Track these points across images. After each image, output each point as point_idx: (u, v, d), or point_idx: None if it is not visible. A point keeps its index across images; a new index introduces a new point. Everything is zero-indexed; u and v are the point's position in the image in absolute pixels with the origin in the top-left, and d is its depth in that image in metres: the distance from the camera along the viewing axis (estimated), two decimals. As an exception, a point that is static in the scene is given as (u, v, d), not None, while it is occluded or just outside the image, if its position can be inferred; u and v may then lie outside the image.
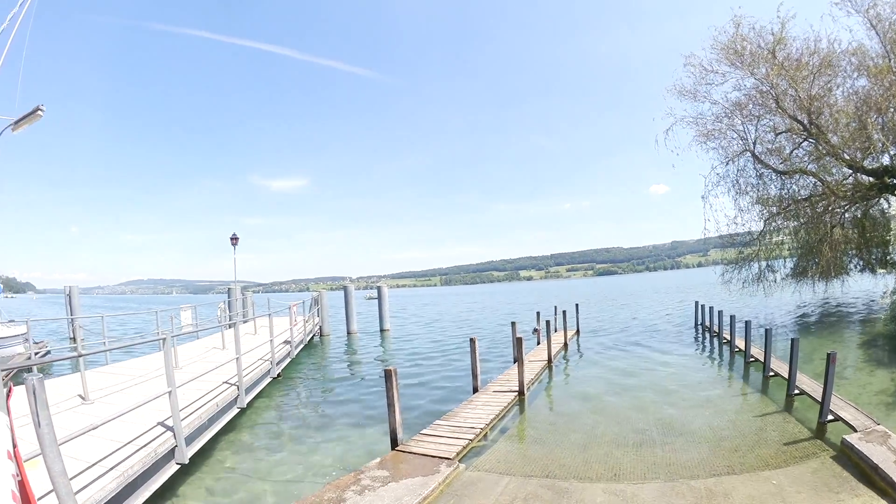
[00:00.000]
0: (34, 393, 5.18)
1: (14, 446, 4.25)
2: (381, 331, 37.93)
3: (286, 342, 22.21)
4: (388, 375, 11.39)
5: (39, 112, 16.85)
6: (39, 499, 5.35)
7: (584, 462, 10.14)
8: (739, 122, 28.97)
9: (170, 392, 9.06)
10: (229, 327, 21.21)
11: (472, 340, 16.96)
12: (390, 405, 11.23)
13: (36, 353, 22.56)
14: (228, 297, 33.46)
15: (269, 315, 18.77)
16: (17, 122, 17.41)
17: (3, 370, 5.16)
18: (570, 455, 10.65)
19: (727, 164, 29.71)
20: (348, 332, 36.07)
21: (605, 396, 16.09)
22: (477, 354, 16.67)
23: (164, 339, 9.46)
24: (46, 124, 17.21)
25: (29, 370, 19.29)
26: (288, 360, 21.61)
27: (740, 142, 29.22)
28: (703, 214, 30.75)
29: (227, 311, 30.47)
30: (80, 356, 8.85)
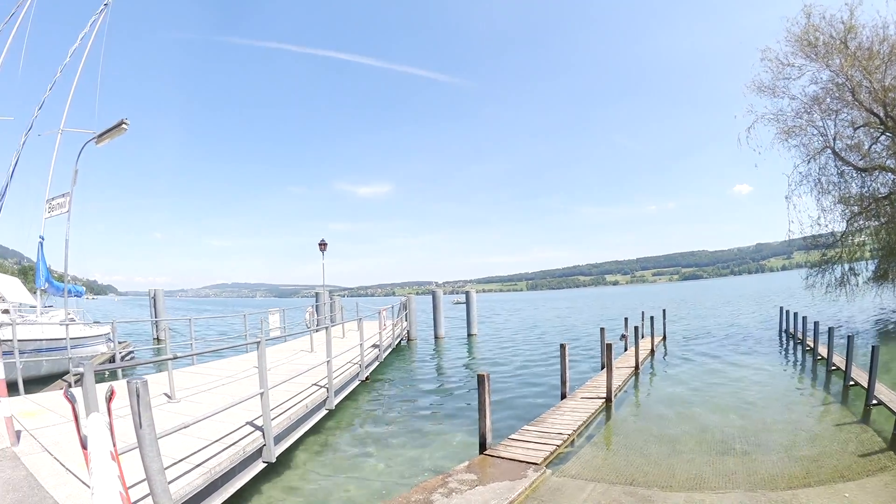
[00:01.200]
0: (137, 394, 5.35)
1: (113, 446, 4.33)
2: (469, 336, 37.92)
3: (375, 346, 22.21)
4: (480, 380, 11.36)
5: (124, 126, 17.29)
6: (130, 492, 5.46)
7: (668, 470, 10.08)
8: (818, 117, 27.94)
9: (262, 393, 9.26)
10: (317, 331, 21.50)
11: (562, 346, 16.76)
12: (481, 409, 11.20)
13: (122, 354, 23.35)
14: (316, 302, 33.91)
15: (360, 319, 18.75)
16: (100, 136, 17.91)
17: (94, 369, 5.34)
18: (654, 463, 10.59)
19: (808, 161, 28.78)
20: (436, 337, 36.07)
21: (688, 404, 16.03)
22: (567, 360, 16.56)
23: (259, 343, 9.63)
24: (129, 137, 17.66)
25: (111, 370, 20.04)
26: (376, 363, 21.68)
27: (820, 138, 28.21)
28: (787, 215, 29.88)
29: (316, 315, 30.79)
30: (174, 357, 9.03)
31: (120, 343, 26.70)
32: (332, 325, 14.95)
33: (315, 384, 14.04)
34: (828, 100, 27.24)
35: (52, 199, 20.35)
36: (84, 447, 4.47)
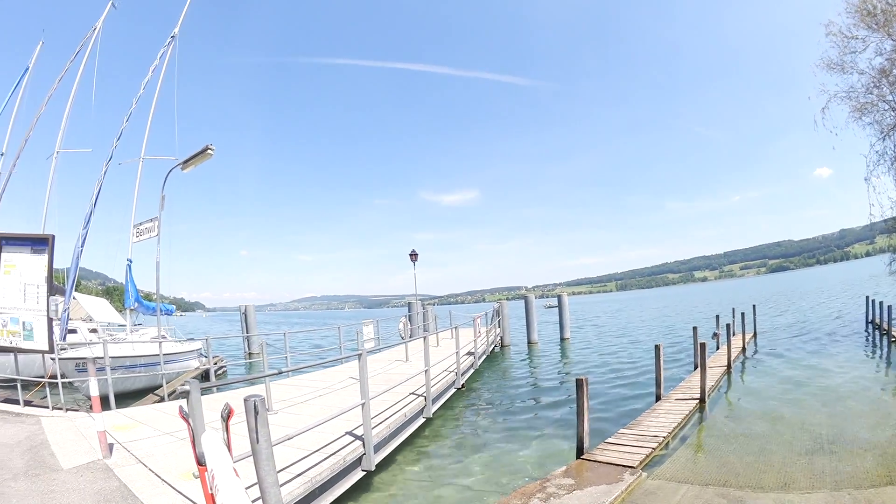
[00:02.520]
0: (255, 410, 5.44)
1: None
2: (562, 340, 37.57)
3: (470, 353, 22.23)
4: (578, 385, 11.22)
5: (209, 151, 17.49)
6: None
7: (758, 471, 9.95)
8: (888, 90, 26.58)
9: (363, 403, 9.38)
10: (411, 341, 21.65)
11: (656, 347, 16.56)
12: (579, 414, 11.07)
13: (214, 369, 23.66)
14: (409, 311, 33.90)
15: (455, 328, 18.77)
16: (186, 162, 18.14)
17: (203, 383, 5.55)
18: (745, 464, 10.47)
19: (884, 139, 27.34)
20: (529, 342, 35.78)
21: (778, 402, 15.77)
22: (661, 362, 16.34)
23: (360, 354, 9.71)
24: (211, 160, 18.12)
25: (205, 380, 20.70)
26: (471, 370, 21.42)
27: (892, 113, 26.87)
28: (868, 198, 28.54)
29: (409, 325, 30.71)
30: (279, 373, 9.31)
31: (212, 358, 27.68)
32: (426, 335, 15.01)
33: (412, 393, 14.13)
34: (894, 71, 26.06)
35: (140, 223, 20.87)
36: (200, 464, 4.66)
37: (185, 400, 5.39)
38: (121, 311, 32.44)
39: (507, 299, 46.14)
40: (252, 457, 5.48)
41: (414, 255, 35.05)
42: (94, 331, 28.48)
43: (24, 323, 12.73)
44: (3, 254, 12.90)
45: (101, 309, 30.81)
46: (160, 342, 18.99)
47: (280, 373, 9.16)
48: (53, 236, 12.82)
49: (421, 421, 13.65)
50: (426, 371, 13.87)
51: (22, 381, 13.86)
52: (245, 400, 5.48)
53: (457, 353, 18.02)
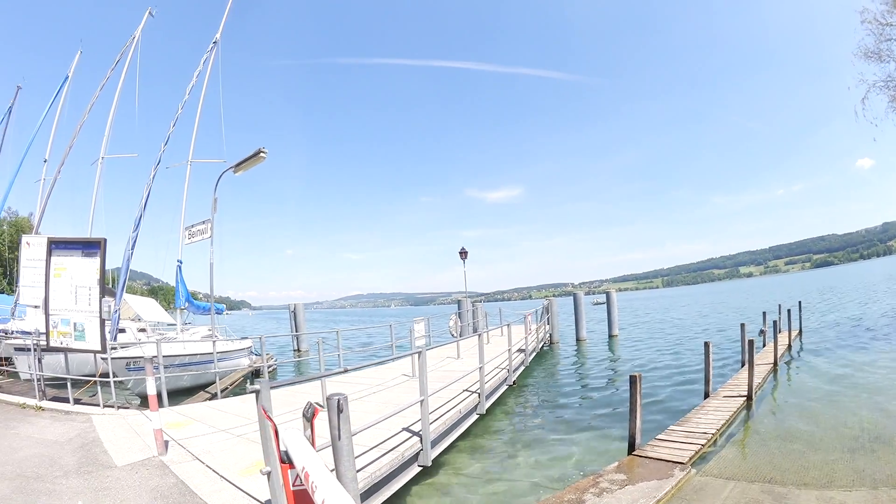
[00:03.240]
0: (339, 409, 5.68)
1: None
2: (610, 336, 37.42)
3: (521, 350, 22.02)
4: (632, 381, 11.25)
5: (262, 154, 17.54)
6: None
7: (801, 468, 10.04)
8: None
9: (422, 400, 9.49)
10: (462, 338, 21.48)
11: (706, 345, 16.62)
12: (632, 410, 11.12)
13: (268, 364, 23.74)
14: (459, 309, 33.72)
15: (508, 325, 18.66)
16: (238, 165, 18.25)
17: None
18: (790, 460, 10.58)
19: None
20: (577, 339, 35.65)
21: (822, 400, 15.71)
22: (710, 359, 16.36)
23: (420, 353, 9.89)
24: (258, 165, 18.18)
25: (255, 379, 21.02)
26: (522, 367, 21.23)
27: None
28: None
29: (459, 322, 30.73)
30: (345, 371, 9.21)
31: (261, 356, 27.82)
32: (481, 332, 14.95)
33: (466, 389, 14.12)
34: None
35: (192, 226, 20.97)
36: (283, 462, 4.63)
37: (255, 397, 5.58)
38: (169, 311, 32.76)
39: (554, 296, 45.89)
40: (332, 452, 5.72)
41: (464, 253, 34.92)
42: (142, 330, 28.87)
43: (75, 324, 12.87)
44: (53, 257, 13.05)
45: (149, 308, 31.33)
46: (214, 341, 19.09)
47: (346, 371, 9.13)
48: (105, 240, 12.86)
49: (475, 417, 13.62)
50: (480, 368, 13.88)
51: (72, 379, 13.96)
52: (328, 399, 5.74)
53: (509, 350, 17.96)
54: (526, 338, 23.04)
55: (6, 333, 23.73)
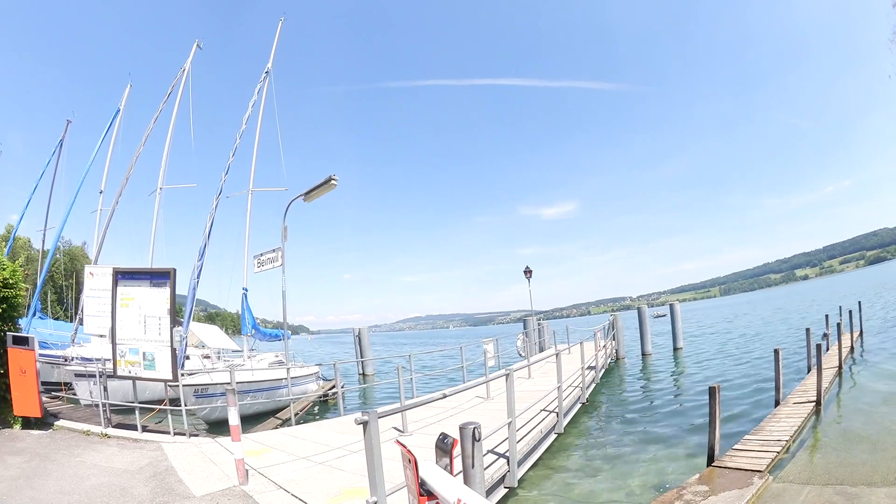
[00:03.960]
0: (474, 437, 5.88)
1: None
2: (675, 349, 36.91)
3: (591, 367, 21.54)
4: (711, 392, 11.31)
5: (333, 182, 17.38)
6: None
7: (871, 468, 10.21)
8: None
9: (510, 423, 9.31)
10: (534, 362, 21.10)
11: (776, 352, 16.49)
12: (711, 422, 11.18)
13: (332, 390, 23.53)
14: (524, 328, 33.40)
15: (581, 343, 18.74)
16: (308, 193, 18.07)
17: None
18: (859, 462, 10.76)
19: None
20: (643, 354, 35.28)
21: (889, 401, 15.74)
22: (780, 367, 16.27)
23: (508, 375, 9.53)
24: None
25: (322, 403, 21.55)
26: (593, 385, 20.90)
27: None
28: None
29: (527, 341, 30.46)
30: (444, 396, 8.93)
31: (328, 381, 27.97)
32: (559, 351, 14.71)
33: (545, 409, 13.98)
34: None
35: (261, 254, 20.99)
36: (422, 495, 4.65)
37: (363, 426, 5.55)
38: (232, 336, 32.86)
39: (613, 311, 45.27)
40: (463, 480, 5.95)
41: (528, 272, 34.44)
42: (206, 357, 28.93)
43: (144, 353, 12.86)
44: (119, 287, 13.05)
45: (213, 335, 31.47)
46: (288, 368, 18.96)
47: (444, 396, 8.82)
48: (174, 270, 12.80)
49: (553, 437, 13.47)
50: (559, 387, 13.64)
51: (140, 406, 13.70)
52: (462, 428, 6.02)
53: (582, 368, 17.74)
54: (596, 354, 22.83)
55: (66, 360, 23.86)
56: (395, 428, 12.48)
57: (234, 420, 8.95)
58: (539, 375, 19.48)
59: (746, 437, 12.45)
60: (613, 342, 33.27)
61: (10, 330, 13.33)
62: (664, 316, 39.94)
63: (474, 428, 5.78)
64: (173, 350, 12.43)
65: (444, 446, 5.05)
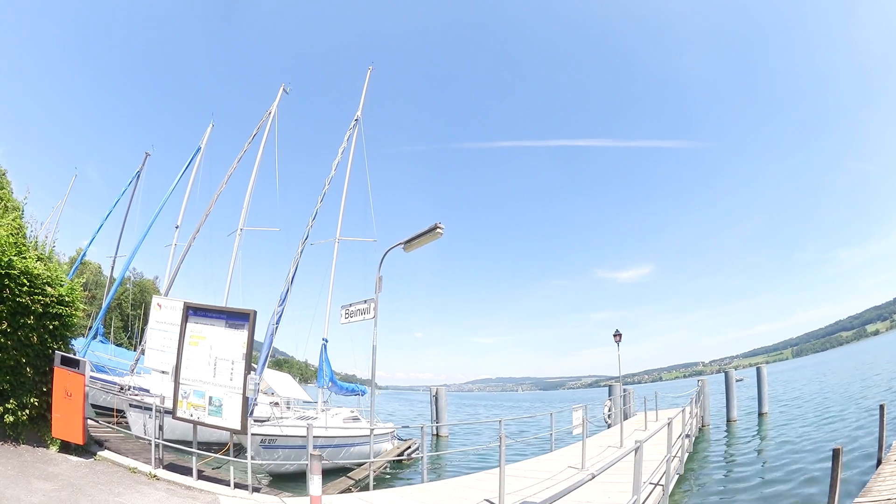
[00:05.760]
0: None
1: None
2: (760, 415, 36.11)
3: (687, 436, 20.22)
4: (835, 455, 10.94)
5: (439, 231, 16.31)
6: None
7: None
8: None
9: (635, 499, 8.95)
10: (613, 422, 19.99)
11: (881, 407, 16.26)
12: (832, 486, 10.78)
13: (408, 450, 23.48)
14: (609, 394, 32.87)
15: (683, 409, 18.63)
16: (410, 241, 17.07)
17: None
18: None
19: None
20: (728, 420, 34.78)
21: None
22: (885, 423, 15.86)
23: (637, 448, 9.07)
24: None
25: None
26: (685, 455, 19.58)
27: None
28: None
29: (614, 408, 29.80)
30: (593, 477, 7.80)
31: (405, 440, 27.12)
32: (670, 420, 13.64)
33: (648, 482, 12.08)
34: None
35: (351, 304, 19.82)
36: None
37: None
38: (302, 384, 32.19)
39: (684, 377, 44.20)
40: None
41: (617, 336, 33.08)
42: (275, 404, 28.15)
43: (210, 397, 12.00)
44: (189, 324, 12.41)
45: (284, 383, 30.69)
46: (372, 430, 17.95)
47: (593, 476, 7.65)
48: (255, 312, 12.04)
49: None
50: (668, 459, 13.21)
51: (198, 452, 12.58)
52: None
53: (681, 436, 17.15)
54: (691, 421, 22.20)
55: (121, 388, 23.62)
56: (487, 500, 11.47)
57: (315, 489, 8.00)
58: (631, 443, 18.01)
59: (856, 499, 11.51)
60: (699, 408, 32.06)
61: (61, 349, 12.55)
62: (742, 380, 38.58)
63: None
64: (245, 398, 11.35)
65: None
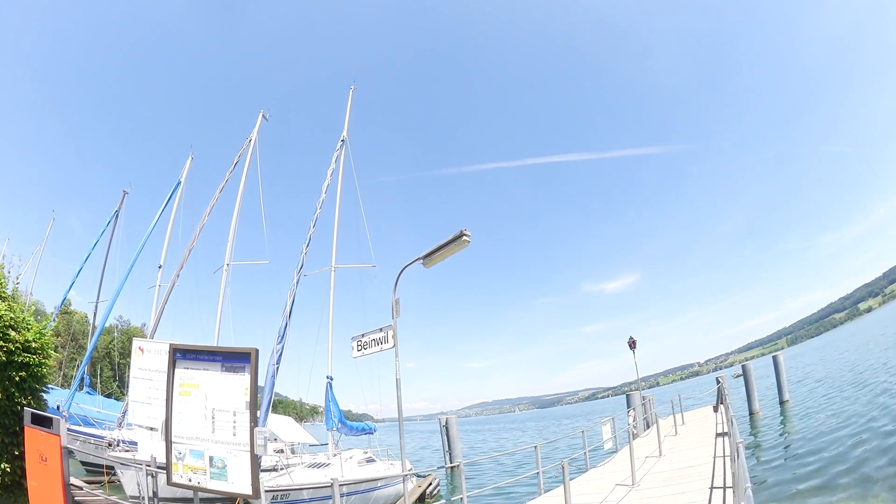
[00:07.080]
0: None
1: None
2: (781, 403, 36.84)
3: (724, 434, 19.34)
4: None
5: (465, 238, 14.18)
6: None
7: None
8: None
9: None
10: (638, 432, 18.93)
11: None
12: None
13: (430, 487, 23.14)
14: (628, 404, 32.55)
15: (716, 406, 16.59)
16: (430, 254, 14.97)
17: None
18: None
19: None
20: (750, 413, 35.14)
21: None
22: None
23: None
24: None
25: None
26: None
27: None
28: None
29: (638, 418, 28.53)
30: None
31: (424, 477, 26.21)
32: (729, 432, 12.68)
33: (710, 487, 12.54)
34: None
35: (363, 335, 17.97)
36: None
37: None
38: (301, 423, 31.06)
39: (681, 379, 43.83)
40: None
41: (632, 343, 32.23)
42: (280, 451, 26.73)
43: (211, 458, 9.68)
44: (178, 369, 10.07)
45: (287, 428, 29.90)
46: (405, 475, 16.61)
47: None
48: (256, 350, 9.82)
49: None
50: (721, 457, 13.44)
51: None
52: None
53: (716, 434, 17.65)
54: (726, 422, 20.35)
55: (110, 444, 22.42)
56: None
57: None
58: (668, 451, 17.89)
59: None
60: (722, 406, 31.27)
61: (31, 404, 10.73)
62: (740, 376, 38.86)
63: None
64: (254, 456, 9.39)
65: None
